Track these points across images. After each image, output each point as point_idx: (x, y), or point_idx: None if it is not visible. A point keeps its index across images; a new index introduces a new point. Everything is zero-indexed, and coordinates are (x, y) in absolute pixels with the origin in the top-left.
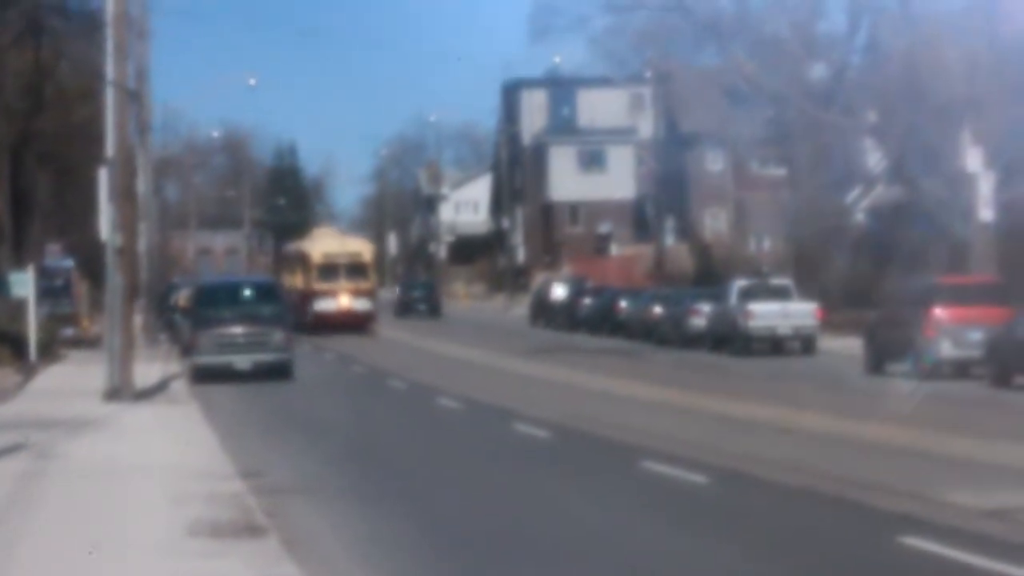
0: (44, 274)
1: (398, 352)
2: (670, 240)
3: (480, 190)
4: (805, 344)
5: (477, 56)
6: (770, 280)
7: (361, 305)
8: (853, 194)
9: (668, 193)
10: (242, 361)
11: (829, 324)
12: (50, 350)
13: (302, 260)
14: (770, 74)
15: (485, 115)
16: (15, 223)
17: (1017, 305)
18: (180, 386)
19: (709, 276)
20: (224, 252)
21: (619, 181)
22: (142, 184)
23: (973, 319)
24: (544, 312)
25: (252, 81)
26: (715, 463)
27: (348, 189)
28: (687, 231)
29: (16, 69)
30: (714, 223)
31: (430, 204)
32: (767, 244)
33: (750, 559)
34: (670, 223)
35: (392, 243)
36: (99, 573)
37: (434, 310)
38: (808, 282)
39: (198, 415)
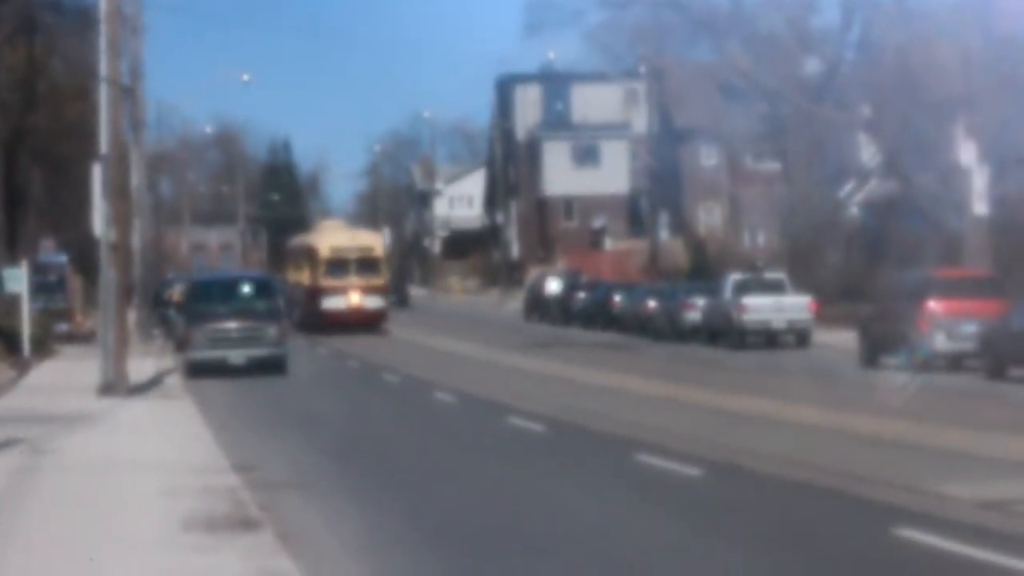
0: (38, 270)
1: (392, 347)
2: (664, 235)
3: (474, 185)
4: (799, 337)
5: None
6: (764, 274)
7: (372, 303)
8: (847, 188)
9: (662, 188)
10: (236, 356)
11: (823, 318)
12: (44, 345)
13: (309, 255)
14: (764, 69)
15: (479, 110)
16: (9, 219)
17: (1011, 298)
18: (174, 381)
19: (703, 271)
20: (218, 248)
21: (613, 176)
22: (136, 180)
23: (967, 312)
24: (538, 306)
25: (245, 77)
26: (709, 456)
27: (342, 184)
28: (681, 226)
29: (9, 65)
30: (708, 218)
31: (424, 199)
32: (761, 239)
33: (745, 552)
34: (664, 218)
35: (386, 238)
36: (93, 568)
37: (403, 301)
38: (802, 276)
39: (192, 410)
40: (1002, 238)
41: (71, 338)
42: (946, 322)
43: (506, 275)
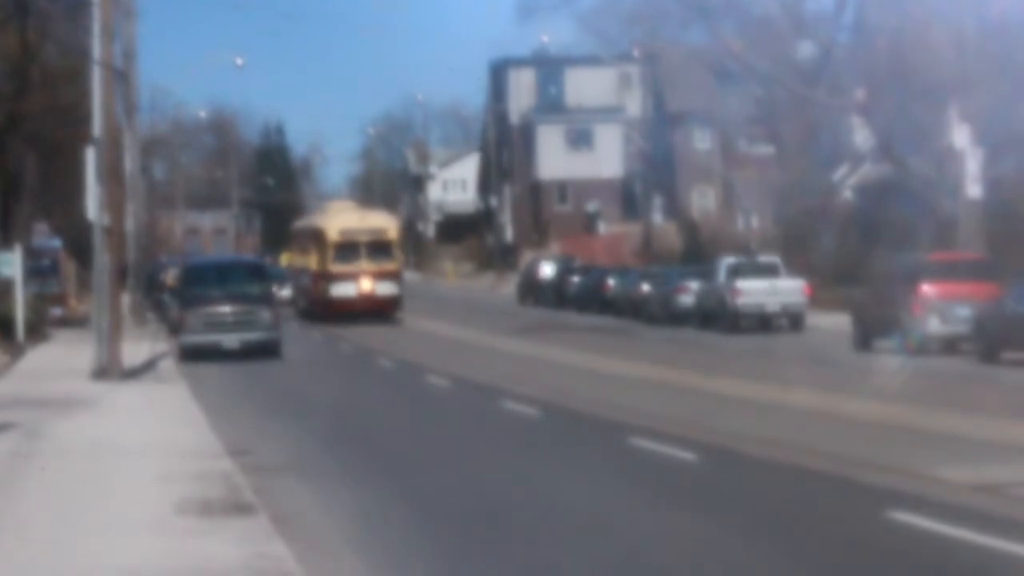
0: (31, 254)
1: (386, 331)
2: (658, 219)
3: (468, 169)
4: (793, 321)
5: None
6: (758, 258)
7: (385, 289)
8: (840, 172)
9: (656, 172)
10: (230, 340)
11: (817, 301)
12: (38, 330)
13: (316, 238)
14: (758, 53)
15: (473, 94)
16: (2, 204)
17: (1004, 281)
18: (168, 365)
19: (697, 254)
20: (212, 232)
21: (607, 160)
22: (129, 164)
23: (961, 295)
24: (532, 291)
25: (239, 61)
26: (703, 440)
27: (336, 168)
28: (675, 210)
29: (2, 50)
30: (702, 201)
31: (418, 183)
32: (755, 222)
33: (738, 535)
34: (658, 202)
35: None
36: (88, 551)
37: None
38: (796, 260)
39: (186, 394)
40: (995, 221)
41: (65, 322)
42: (940, 305)
43: (500, 259)
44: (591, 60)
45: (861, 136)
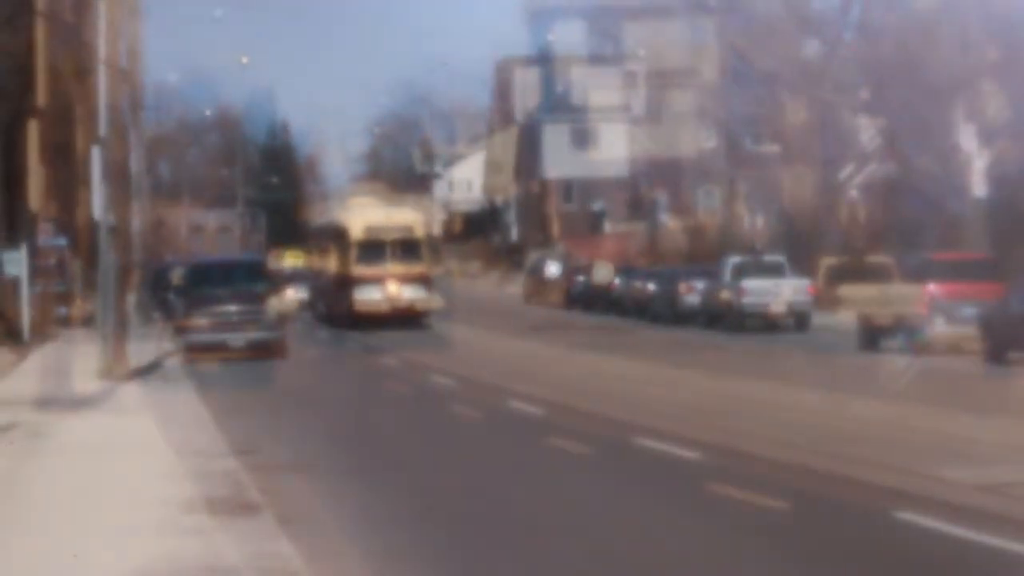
0: (37, 253)
1: (393, 330)
2: (664, 218)
3: (473, 168)
4: (799, 320)
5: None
6: (764, 257)
7: (414, 294)
8: (846, 171)
9: (661, 171)
10: (235, 339)
11: (823, 301)
12: (43, 329)
13: (337, 237)
14: (763, 51)
15: (478, 93)
16: (8, 202)
17: (1009, 280)
18: (174, 364)
19: (703, 254)
20: (217, 231)
21: (613, 159)
22: (135, 163)
23: (967, 295)
24: (538, 290)
25: (244, 60)
26: (707, 439)
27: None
28: (680, 209)
29: (8, 49)
30: (707, 201)
31: (424, 182)
32: (761, 221)
33: (741, 535)
34: (663, 201)
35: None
36: (93, 551)
37: None
38: (802, 259)
39: (192, 393)
40: (1001, 220)
41: (70, 322)
42: (945, 305)
43: (506, 258)
44: (596, 59)
45: (867, 135)
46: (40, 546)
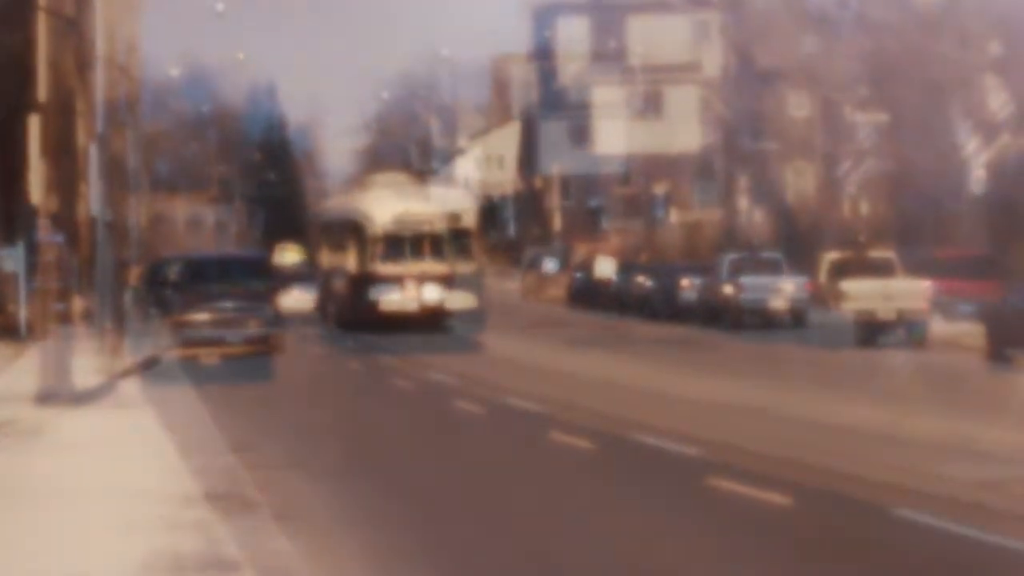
0: (36, 249)
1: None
2: (743, 203)
3: (507, 141)
4: (797, 317)
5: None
6: (761, 254)
7: (458, 301)
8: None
9: (740, 145)
10: (232, 336)
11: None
12: (41, 325)
13: (354, 230)
14: (764, 47)
15: (513, 49)
16: (5, 198)
17: (1007, 277)
18: (171, 361)
19: (794, 246)
20: (214, 227)
21: (679, 130)
22: (132, 159)
23: (965, 292)
24: (586, 293)
25: (241, 56)
26: (705, 438)
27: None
28: (764, 192)
29: (6, 43)
30: (798, 182)
31: (444, 159)
32: (864, 208)
33: (738, 534)
34: (743, 182)
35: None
36: (95, 545)
37: None
38: (801, 256)
39: (190, 390)
40: (999, 218)
41: (69, 318)
42: (943, 301)
43: (504, 255)
44: (659, 6)
45: (997, 101)
46: (41, 543)
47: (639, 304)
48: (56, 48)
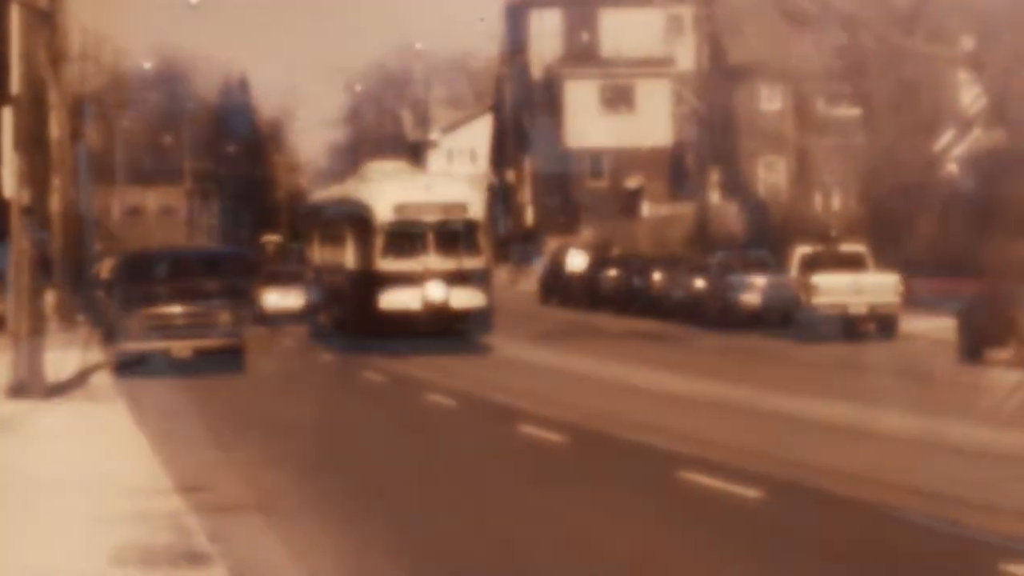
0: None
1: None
2: (716, 197)
3: (478, 135)
4: (883, 326)
5: None
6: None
7: (466, 299)
8: (944, 140)
9: (713, 139)
10: (180, 347)
11: (914, 301)
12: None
13: (354, 221)
14: None
15: (485, 42)
16: None
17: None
18: (103, 379)
19: (765, 241)
20: (158, 212)
21: (652, 124)
22: (56, 128)
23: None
24: (558, 287)
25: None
26: (771, 473)
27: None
28: (737, 186)
29: None
30: (771, 176)
31: (416, 152)
32: (837, 202)
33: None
34: (716, 176)
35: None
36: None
37: None
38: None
39: (125, 415)
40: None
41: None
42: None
43: (519, 247)
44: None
45: (969, 95)
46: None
47: (611, 298)
48: (29, 41)
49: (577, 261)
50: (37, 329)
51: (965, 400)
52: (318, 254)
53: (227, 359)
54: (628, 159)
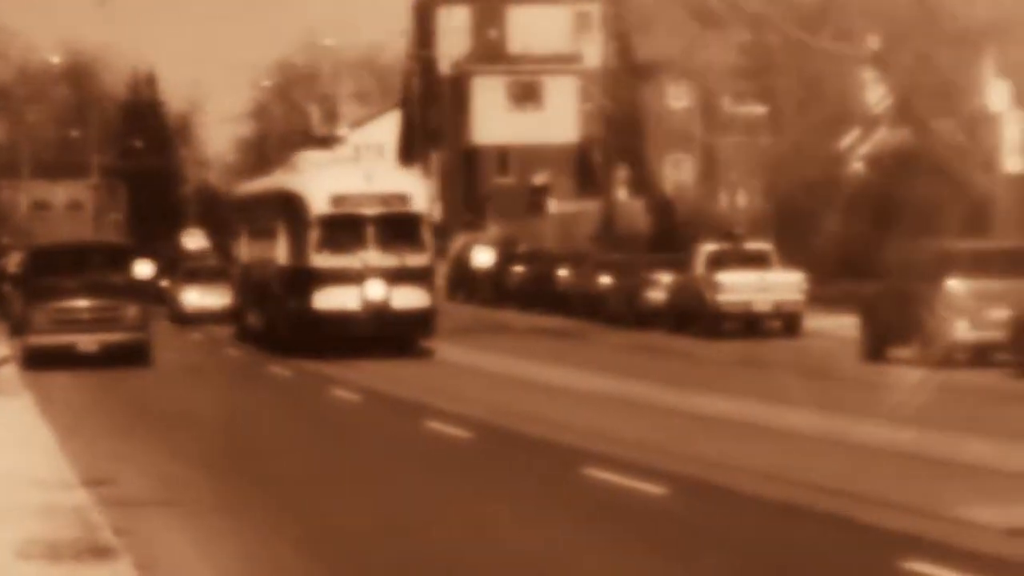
0: None
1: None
2: (622, 194)
3: (386, 131)
4: (788, 323)
5: None
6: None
7: (408, 299)
8: (849, 139)
9: (620, 136)
10: (87, 342)
11: (818, 299)
12: None
13: (287, 212)
14: None
15: (393, 38)
16: None
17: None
18: (9, 373)
19: (671, 239)
20: (66, 206)
21: (559, 121)
22: None
23: (995, 294)
24: (464, 283)
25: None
26: (675, 470)
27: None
28: (644, 183)
29: None
30: (677, 173)
31: (324, 147)
32: (742, 199)
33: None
34: (623, 173)
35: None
36: None
37: None
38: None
39: (31, 408)
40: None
41: None
42: (970, 306)
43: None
44: None
45: (875, 94)
46: None
47: (517, 294)
48: None
49: (483, 257)
50: None
51: (867, 398)
52: (246, 250)
53: (134, 354)
54: (535, 156)
